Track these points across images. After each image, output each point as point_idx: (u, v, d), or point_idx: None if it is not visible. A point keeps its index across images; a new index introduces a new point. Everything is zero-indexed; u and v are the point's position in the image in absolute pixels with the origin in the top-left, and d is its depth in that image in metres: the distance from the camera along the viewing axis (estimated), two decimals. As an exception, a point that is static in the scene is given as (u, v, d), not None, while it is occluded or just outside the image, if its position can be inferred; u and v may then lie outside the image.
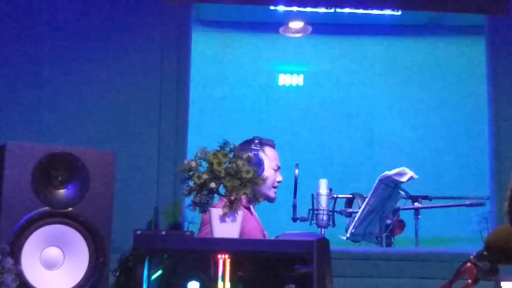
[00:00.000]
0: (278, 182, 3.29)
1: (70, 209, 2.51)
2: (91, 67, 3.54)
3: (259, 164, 3.04)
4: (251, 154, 2.64)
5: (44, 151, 2.49)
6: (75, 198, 2.52)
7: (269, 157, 3.24)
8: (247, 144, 3.16)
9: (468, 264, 2.06)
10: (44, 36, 3.54)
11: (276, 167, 3.28)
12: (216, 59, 5.33)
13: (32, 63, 3.52)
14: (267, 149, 3.27)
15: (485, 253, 2.04)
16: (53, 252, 2.49)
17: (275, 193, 3.28)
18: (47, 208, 2.47)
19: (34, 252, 2.44)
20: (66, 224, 2.50)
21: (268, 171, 3.17)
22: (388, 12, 4.15)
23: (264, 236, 3.16)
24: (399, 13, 4.20)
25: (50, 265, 2.48)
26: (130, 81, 3.54)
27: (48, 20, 3.55)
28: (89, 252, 2.51)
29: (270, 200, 3.26)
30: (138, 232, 2.49)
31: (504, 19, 3.70)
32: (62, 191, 2.52)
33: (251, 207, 3.19)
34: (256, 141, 3.16)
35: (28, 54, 3.52)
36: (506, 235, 2.02)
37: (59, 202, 2.50)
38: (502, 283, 2.30)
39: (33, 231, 2.44)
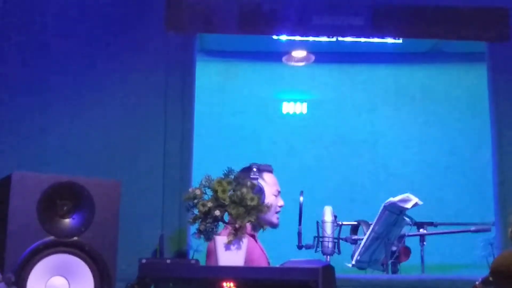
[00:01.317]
0: (280, 206, 3.29)
1: (75, 238, 2.51)
2: (96, 97, 3.58)
3: (260, 191, 3.04)
4: (254, 181, 2.64)
5: (50, 181, 2.50)
6: (81, 227, 2.53)
7: (268, 183, 3.24)
8: (245, 172, 3.12)
9: (474, 289, 2.05)
10: (49, 65, 3.58)
11: (276, 192, 3.27)
12: (220, 88, 5.37)
13: (36, 92, 3.56)
14: (266, 175, 3.26)
15: (490, 278, 2.04)
16: (59, 281, 2.48)
17: (278, 218, 3.28)
18: (52, 237, 2.47)
19: (39, 281, 2.44)
20: (71, 253, 2.50)
21: (270, 198, 3.17)
22: (389, 40, 4.19)
23: (268, 264, 3.15)
24: (400, 41, 4.24)
25: (55, 295, 2.48)
26: (135, 110, 3.58)
27: (53, 49, 3.59)
28: (95, 282, 2.51)
29: (273, 226, 3.25)
30: (143, 260, 2.48)
31: (504, 46, 3.74)
32: (67, 221, 2.52)
33: (256, 234, 3.18)
34: (255, 169, 3.13)
35: (32, 82, 3.57)
36: (512, 260, 2.02)
37: (64, 231, 2.50)
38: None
39: (39, 260, 2.44)
